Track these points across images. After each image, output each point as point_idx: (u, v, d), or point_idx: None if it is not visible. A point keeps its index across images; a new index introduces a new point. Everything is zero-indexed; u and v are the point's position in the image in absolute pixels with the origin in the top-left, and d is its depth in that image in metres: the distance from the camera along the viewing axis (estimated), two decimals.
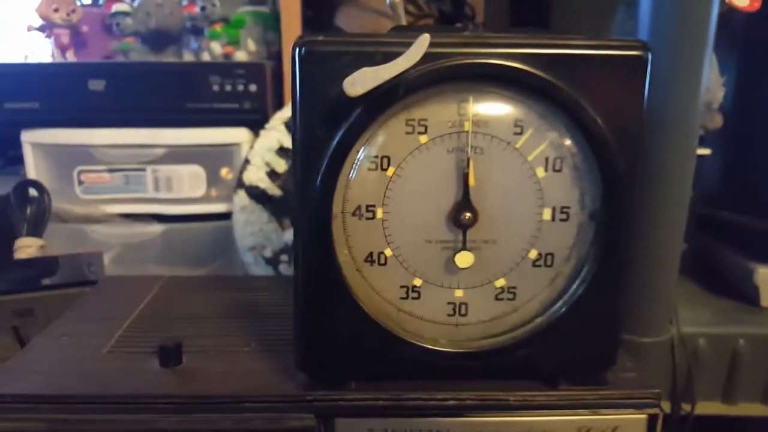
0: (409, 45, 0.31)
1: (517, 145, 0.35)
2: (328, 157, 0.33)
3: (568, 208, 0.35)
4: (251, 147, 0.84)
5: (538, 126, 0.34)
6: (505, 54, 0.33)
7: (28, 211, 0.81)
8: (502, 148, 0.35)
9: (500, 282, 0.36)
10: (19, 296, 0.58)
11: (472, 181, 0.34)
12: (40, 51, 1.00)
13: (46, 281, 0.61)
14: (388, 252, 0.36)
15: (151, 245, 0.89)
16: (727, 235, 0.80)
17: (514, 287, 0.37)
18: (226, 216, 0.87)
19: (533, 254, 0.36)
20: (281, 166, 0.83)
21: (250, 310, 0.50)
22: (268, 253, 0.83)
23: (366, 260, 0.36)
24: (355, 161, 0.34)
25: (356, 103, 0.32)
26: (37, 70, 0.85)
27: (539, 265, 0.36)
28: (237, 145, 0.88)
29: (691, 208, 0.76)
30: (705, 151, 0.76)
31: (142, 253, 0.89)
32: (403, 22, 0.39)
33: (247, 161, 0.83)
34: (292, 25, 0.91)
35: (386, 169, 0.34)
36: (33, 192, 0.82)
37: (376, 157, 0.34)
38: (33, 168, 0.87)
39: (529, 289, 0.37)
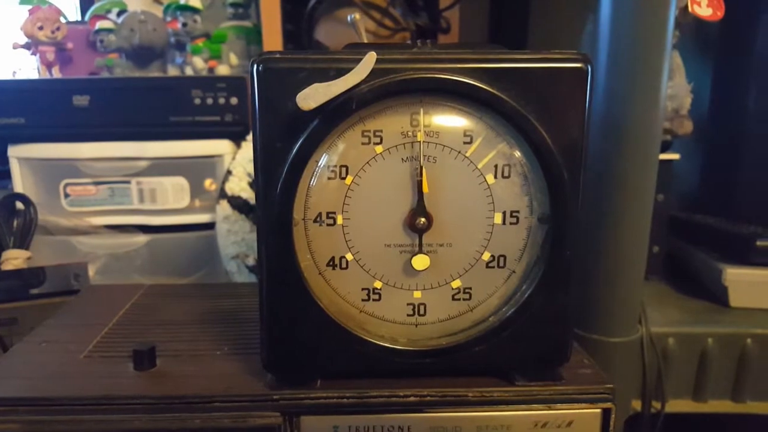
0: (359, 62, 0.33)
1: (467, 154, 0.37)
2: (287, 167, 0.35)
3: (517, 212, 0.37)
4: (233, 158, 0.86)
5: (487, 135, 0.37)
6: (451, 69, 0.35)
7: (15, 223, 0.83)
8: (453, 157, 0.37)
9: (456, 283, 0.38)
10: (4, 306, 0.59)
11: (425, 188, 0.36)
12: (27, 67, 1.02)
13: (32, 291, 0.63)
14: (349, 256, 0.38)
15: (136, 255, 0.91)
16: (700, 238, 0.83)
17: (469, 288, 0.39)
18: (210, 226, 0.89)
19: (486, 256, 0.38)
20: None
21: (227, 316, 0.52)
22: (250, 261, 0.85)
23: (328, 265, 0.38)
24: (315, 170, 0.36)
25: (313, 116, 0.34)
26: (23, 86, 0.87)
27: (492, 267, 0.38)
28: (219, 156, 0.89)
29: (665, 211, 0.79)
30: (673, 156, 0.79)
31: (127, 264, 0.90)
32: (364, 39, 0.41)
33: (229, 172, 0.85)
34: (273, 39, 0.94)
35: (345, 178, 0.36)
36: (20, 205, 0.84)
37: (335, 166, 0.36)
38: (20, 182, 0.89)
39: (484, 289, 0.39)
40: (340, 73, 0.34)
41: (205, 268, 0.92)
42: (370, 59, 0.32)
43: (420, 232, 0.37)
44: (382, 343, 0.38)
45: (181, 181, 0.91)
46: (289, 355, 0.38)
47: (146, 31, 0.95)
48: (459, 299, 0.39)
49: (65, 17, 0.99)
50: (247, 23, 1.05)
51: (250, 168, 0.85)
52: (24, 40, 0.94)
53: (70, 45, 0.98)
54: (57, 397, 0.37)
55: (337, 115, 0.35)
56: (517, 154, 0.37)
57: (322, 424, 0.38)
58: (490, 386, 0.39)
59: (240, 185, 0.85)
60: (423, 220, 0.37)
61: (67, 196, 0.90)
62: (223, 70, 0.95)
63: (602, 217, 0.59)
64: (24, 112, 0.86)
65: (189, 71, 0.96)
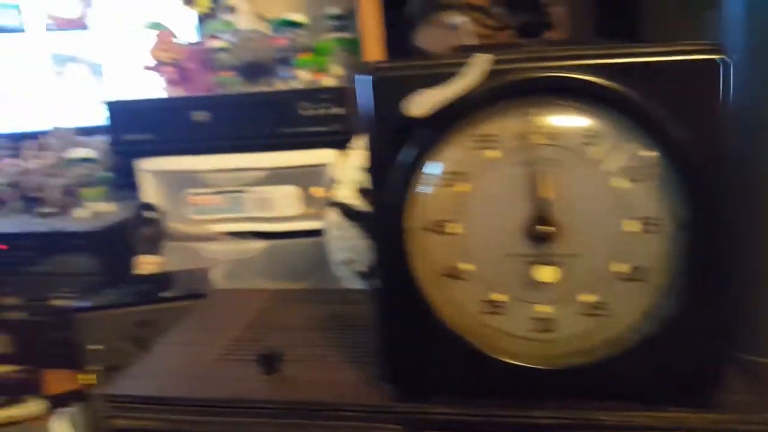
0: (471, 65, 0.31)
1: (591, 156, 0.33)
2: (399, 175, 0.33)
3: (655, 219, 0.33)
4: (339, 166, 0.86)
5: (611, 136, 0.33)
6: (571, 66, 0.32)
7: (146, 231, 0.87)
8: (576, 159, 0.33)
9: (589, 297, 0.35)
10: (139, 308, 0.62)
11: (545, 194, 0.33)
12: (153, 88, 1.08)
13: (162, 295, 0.66)
14: (467, 267, 0.35)
15: (256, 261, 0.93)
16: None
17: (604, 302, 0.35)
18: (321, 232, 0.90)
19: (622, 268, 0.34)
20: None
21: (347, 323, 0.51)
22: (360, 267, 0.84)
23: (444, 275, 0.35)
24: (429, 178, 0.34)
25: (423, 123, 0.32)
26: (149, 105, 0.92)
27: (630, 279, 0.34)
28: (327, 165, 0.90)
29: None
30: None
31: (248, 268, 0.93)
32: (472, 41, 0.39)
33: (337, 180, 0.85)
34: (373, 48, 0.93)
35: (460, 185, 0.34)
36: (150, 214, 0.89)
37: (450, 173, 0.34)
38: (150, 192, 0.94)
39: (621, 304, 0.34)
40: (450, 79, 0.31)
41: (318, 273, 0.93)
42: (481, 63, 0.30)
43: (539, 241, 0.34)
44: (507, 360, 0.35)
45: (292, 190, 0.93)
46: (407, 368, 0.36)
47: (256, 49, 0.97)
48: (592, 315, 0.35)
49: (184, 40, 1.04)
50: (348, 35, 1.05)
51: (356, 175, 0.84)
52: (151, 62, 0.99)
53: (189, 65, 1.02)
54: (191, 398, 0.38)
55: (448, 120, 0.32)
56: (649, 154, 0.33)
57: None
58: (630, 411, 0.34)
59: (347, 192, 0.85)
60: (542, 228, 0.33)
61: (191, 205, 0.94)
62: (327, 81, 0.96)
63: (753, 222, 0.52)
64: (151, 129, 0.91)
65: (295, 84, 0.97)
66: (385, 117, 0.33)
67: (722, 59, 0.31)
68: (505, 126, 0.33)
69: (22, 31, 1.26)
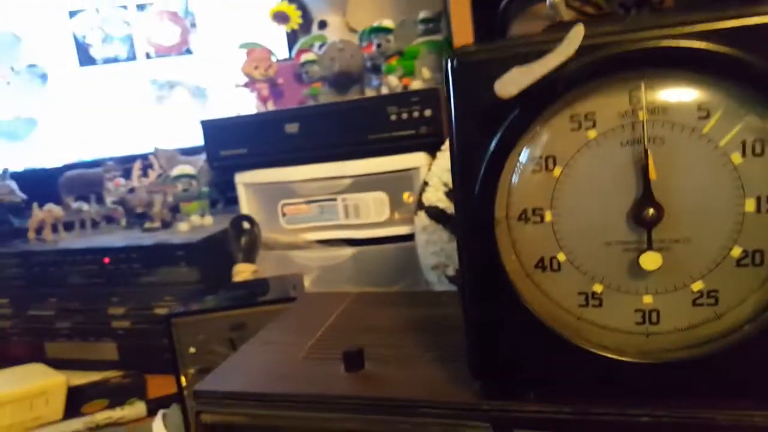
0: (562, 41, 0.29)
1: (705, 131, 0.30)
2: (487, 162, 0.32)
3: None
4: (429, 169, 0.86)
5: (728, 107, 0.30)
6: (680, 33, 0.29)
7: (243, 241, 0.91)
8: (687, 136, 0.30)
9: (697, 285, 0.32)
10: (233, 312, 0.65)
11: (652, 174, 0.31)
12: (244, 105, 1.13)
13: (257, 299, 0.68)
14: (561, 257, 0.33)
15: (344, 267, 0.95)
16: None
17: (715, 291, 0.31)
18: (409, 237, 0.90)
19: (737, 252, 0.31)
20: None
21: (430, 324, 0.50)
22: (450, 272, 0.83)
23: (537, 266, 0.34)
24: (517, 164, 0.33)
25: (513, 105, 0.31)
26: (243, 120, 0.96)
27: (745, 265, 0.31)
28: (416, 169, 0.90)
29: None
30: None
31: (337, 275, 0.95)
32: (565, 17, 0.37)
33: (425, 183, 0.84)
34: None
35: (552, 170, 0.32)
36: (246, 225, 0.93)
37: (540, 157, 0.32)
38: (245, 204, 0.99)
39: (735, 292, 0.31)
40: (541, 56, 0.30)
41: (406, 279, 0.93)
42: (576, 33, 0.28)
43: (648, 225, 0.31)
44: (606, 355, 0.32)
45: (381, 196, 0.94)
46: (497, 364, 0.35)
47: (345, 59, 1.00)
48: (702, 304, 0.32)
49: (275, 56, 1.08)
50: (438, 37, 1.05)
51: (446, 178, 0.84)
52: (243, 80, 1.04)
53: (280, 80, 1.07)
54: (277, 394, 0.38)
55: (540, 100, 0.31)
56: None
57: None
58: (746, 410, 0.31)
59: (437, 195, 0.84)
60: (651, 211, 0.31)
61: (284, 215, 0.98)
62: (416, 85, 0.96)
63: None
64: (245, 144, 0.95)
65: (385, 91, 0.98)
66: (471, 101, 0.32)
67: None
68: (605, 103, 0.31)
69: (134, 59, 1.38)
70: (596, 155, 0.32)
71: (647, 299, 0.32)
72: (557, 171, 0.32)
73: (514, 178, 0.33)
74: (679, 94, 0.30)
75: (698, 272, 0.31)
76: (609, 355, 0.32)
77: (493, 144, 0.32)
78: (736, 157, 0.30)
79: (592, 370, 0.33)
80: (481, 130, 0.32)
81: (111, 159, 1.22)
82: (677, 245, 0.31)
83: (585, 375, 0.33)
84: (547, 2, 0.40)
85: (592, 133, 0.31)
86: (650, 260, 0.31)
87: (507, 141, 0.32)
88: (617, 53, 0.30)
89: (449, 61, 0.32)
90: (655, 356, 0.32)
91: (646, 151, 0.30)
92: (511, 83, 0.29)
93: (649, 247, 0.31)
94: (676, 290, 0.32)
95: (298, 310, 0.59)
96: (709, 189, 0.30)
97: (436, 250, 0.84)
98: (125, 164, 1.20)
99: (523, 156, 0.32)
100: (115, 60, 1.38)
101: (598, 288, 0.33)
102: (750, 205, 0.30)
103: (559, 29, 0.31)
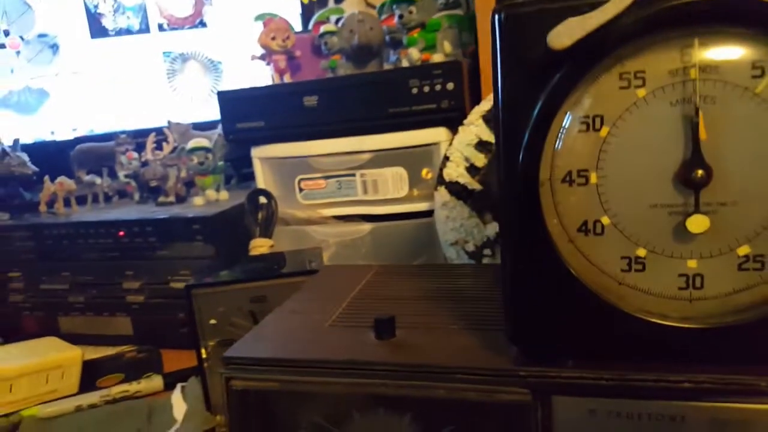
0: None
1: (758, 90, 0.30)
2: (534, 121, 0.32)
3: None
4: (450, 144, 0.85)
5: None
6: None
7: (260, 216, 0.91)
8: (739, 95, 0.30)
9: (744, 249, 0.32)
10: (253, 284, 0.65)
11: (703, 134, 0.31)
12: (259, 79, 1.13)
13: (278, 272, 0.69)
14: (605, 220, 0.33)
15: (361, 243, 0.95)
16: None
17: (761, 255, 0.32)
18: (428, 214, 0.90)
19: None
20: (480, 160, 0.83)
21: (454, 294, 0.50)
22: (470, 248, 0.83)
23: (580, 230, 0.34)
24: (563, 124, 0.33)
25: (561, 62, 0.31)
26: (260, 92, 0.96)
27: None
28: (436, 144, 0.90)
29: None
30: None
31: (354, 251, 0.95)
32: None
33: (446, 158, 0.84)
34: (488, 23, 0.91)
35: (599, 130, 0.32)
36: (263, 199, 0.93)
37: (587, 117, 0.32)
38: (262, 179, 0.99)
39: None
40: (594, 8, 0.30)
41: (424, 255, 0.93)
42: None
43: (697, 187, 0.31)
44: (648, 319, 0.33)
45: (400, 171, 0.94)
46: (537, 329, 0.35)
47: (364, 31, 0.99)
48: (748, 269, 0.32)
49: (293, 28, 1.08)
50: (458, 11, 1.04)
51: (468, 152, 0.83)
52: (260, 51, 1.04)
53: (298, 53, 1.06)
54: (309, 359, 0.39)
55: (591, 56, 0.31)
56: None
57: (576, 407, 0.34)
58: None
59: (458, 171, 0.84)
60: (701, 172, 0.31)
61: (301, 190, 0.98)
62: (437, 59, 0.96)
63: None
64: (262, 116, 0.95)
65: (405, 65, 0.98)
66: (518, 57, 0.32)
67: None
68: (656, 61, 0.31)
69: (147, 31, 1.38)
70: (645, 115, 0.31)
71: (691, 264, 0.32)
72: (604, 131, 0.32)
73: (560, 139, 0.33)
74: (733, 52, 0.30)
75: (745, 236, 0.31)
76: (651, 320, 0.33)
77: (541, 102, 0.32)
78: None
79: (633, 336, 0.33)
80: (528, 87, 0.32)
81: (124, 132, 1.22)
82: (724, 208, 0.31)
83: (625, 341, 0.33)
84: None
85: (641, 92, 0.31)
86: (697, 223, 0.31)
87: (555, 99, 0.32)
88: (674, 6, 0.29)
89: (496, 14, 0.32)
90: (698, 321, 0.32)
91: (697, 110, 0.30)
92: (565, 34, 0.29)
93: (697, 210, 0.31)
94: (721, 254, 0.32)
95: (320, 281, 0.59)
96: (760, 151, 0.30)
97: (455, 226, 0.84)
98: (138, 138, 1.21)
99: (570, 115, 0.32)
100: (128, 32, 1.38)
101: (641, 252, 0.33)
102: None
103: None
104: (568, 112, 0.32)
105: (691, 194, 0.31)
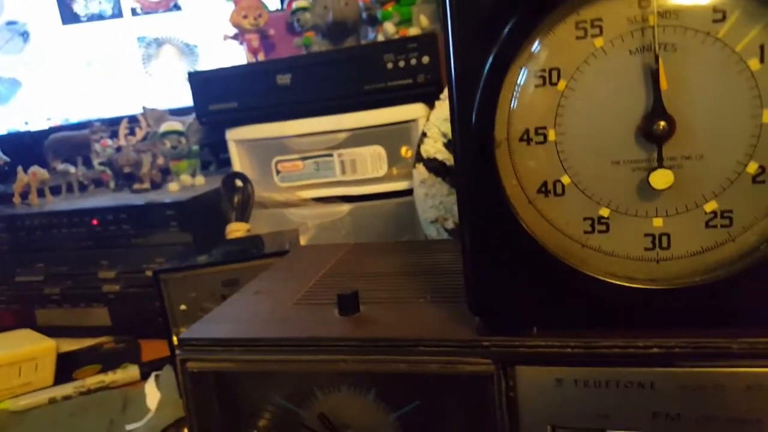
0: None
1: (720, 35, 0.28)
2: (486, 76, 0.30)
3: None
4: (427, 119, 0.84)
5: (746, 8, 0.28)
6: None
7: (236, 199, 0.90)
8: (700, 41, 0.29)
9: (711, 205, 0.30)
10: (227, 267, 0.64)
11: (663, 84, 0.29)
12: (240, 59, 1.11)
13: (254, 253, 0.67)
14: (565, 179, 0.32)
15: (341, 225, 0.94)
16: None
17: (729, 211, 0.30)
18: (408, 193, 0.88)
19: (753, 168, 0.29)
20: None
21: (428, 269, 0.49)
22: (450, 225, 0.82)
23: (539, 191, 0.32)
24: (518, 79, 0.31)
25: (512, 11, 0.29)
26: (233, 72, 0.94)
27: (762, 181, 0.29)
28: (414, 121, 0.88)
29: None
30: None
31: (334, 233, 0.94)
32: None
33: (423, 134, 0.83)
34: None
35: (556, 84, 0.31)
36: (239, 183, 0.91)
37: (543, 70, 0.30)
38: (237, 162, 0.97)
39: (750, 211, 0.30)
40: None
41: (405, 235, 0.92)
42: None
43: (659, 140, 0.29)
44: (614, 282, 0.31)
45: (379, 150, 0.92)
46: (498, 298, 0.34)
47: (339, 7, 0.97)
48: (715, 226, 0.30)
49: (266, 6, 1.05)
50: None
51: (445, 128, 0.82)
52: (232, 31, 1.02)
53: (272, 31, 1.04)
54: (268, 338, 0.37)
55: (543, 4, 0.29)
56: None
57: (542, 376, 0.32)
58: (765, 336, 0.30)
59: (435, 147, 0.82)
60: (663, 123, 0.29)
61: (278, 172, 0.96)
62: (413, 30, 0.94)
63: None
64: (235, 97, 0.93)
65: (379, 37, 0.96)
66: (466, 10, 0.30)
67: None
68: (613, 7, 0.29)
69: (120, 16, 1.35)
70: (603, 66, 0.30)
71: (657, 222, 0.31)
72: (561, 85, 0.31)
73: (515, 96, 0.31)
74: None
75: (711, 191, 0.30)
76: (617, 282, 0.31)
77: (492, 55, 0.30)
78: (754, 63, 0.28)
79: (599, 300, 0.32)
80: (478, 39, 0.30)
81: (98, 120, 1.20)
82: (689, 162, 0.30)
83: (591, 306, 0.32)
84: None
85: (598, 41, 0.30)
86: (661, 178, 0.30)
87: (507, 52, 0.30)
88: None
89: None
90: (666, 283, 0.31)
91: (657, 58, 0.29)
92: None
93: (660, 165, 0.30)
94: (687, 211, 0.31)
95: (291, 261, 0.58)
96: (724, 99, 0.29)
97: (435, 204, 0.83)
98: (113, 126, 1.18)
99: (525, 70, 0.31)
100: (100, 17, 1.35)
101: (604, 212, 0.32)
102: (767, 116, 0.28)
103: None
104: (523, 67, 0.31)
105: (653, 148, 0.30)
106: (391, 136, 0.91)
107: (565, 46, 0.30)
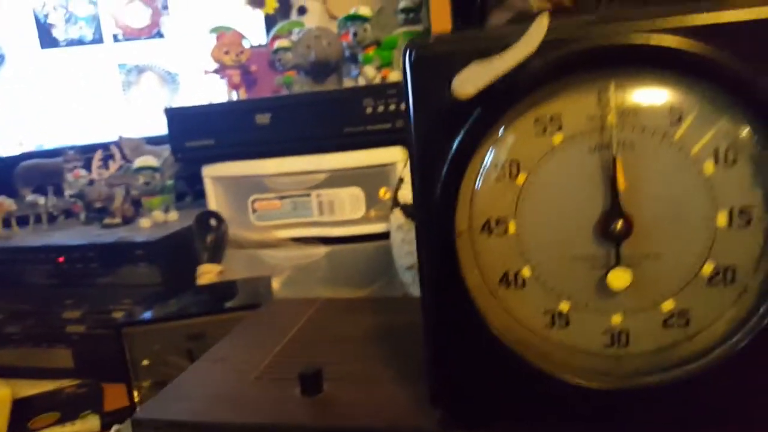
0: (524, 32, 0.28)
1: (676, 137, 0.29)
2: (447, 168, 0.31)
3: (749, 209, 0.29)
4: (405, 165, 0.84)
5: (701, 111, 0.29)
6: (652, 29, 0.28)
7: (208, 239, 0.89)
8: (658, 142, 0.29)
9: (668, 305, 0.31)
10: (194, 320, 0.63)
11: (621, 184, 0.30)
12: (216, 92, 1.11)
13: (215, 306, 0.67)
14: (526, 272, 0.32)
15: (317, 267, 0.93)
16: None
17: (686, 310, 0.31)
18: (386, 236, 0.88)
19: (708, 269, 0.30)
20: None
21: (400, 333, 0.48)
22: None
23: (501, 282, 0.32)
24: (480, 170, 0.31)
25: (475, 105, 0.30)
26: (211, 109, 0.94)
27: (717, 283, 0.30)
28: (392, 164, 0.89)
29: None
30: None
31: (310, 275, 0.93)
32: (533, 7, 0.36)
33: (401, 180, 0.83)
34: None
35: (516, 177, 0.31)
36: (212, 222, 0.91)
37: (504, 163, 0.31)
38: (213, 199, 0.97)
39: (706, 312, 0.30)
40: (504, 50, 0.29)
41: (382, 279, 0.92)
42: (540, 24, 0.27)
43: (616, 239, 0.30)
44: (574, 381, 0.31)
45: (357, 192, 0.92)
46: (459, 390, 0.34)
47: (321, 47, 0.98)
48: (672, 325, 0.31)
49: (248, 41, 1.06)
50: (418, 28, 1.04)
51: None
52: (213, 66, 1.02)
53: (254, 67, 1.05)
54: (222, 423, 0.37)
55: (502, 101, 0.30)
56: (745, 132, 0.28)
57: None
58: None
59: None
60: (620, 224, 0.30)
61: (254, 211, 0.96)
62: (395, 76, 0.95)
63: None
64: (213, 134, 0.93)
65: (361, 81, 0.97)
66: (430, 99, 0.31)
67: None
68: (572, 105, 0.30)
69: (100, 42, 1.35)
70: (562, 161, 0.30)
71: (616, 319, 0.31)
72: (521, 178, 0.31)
73: (477, 186, 0.32)
74: (651, 96, 0.29)
75: (669, 291, 0.31)
76: (577, 381, 0.31)
77: (454, 147, 0.30)
78: (709, 166, 0.29)
79: (558, 397, 0.32)
80: (441, 131, 0.31)
81: (72, 148, 1.19)
82: (647, 261, 0.30)
83: (550, 402, 0.32)
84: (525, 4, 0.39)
85: (557, 138, 0.30)
86: (619, 278, 0.30)
87: (468, 144, 0.30)
88: (585, 49, 0.28)
89: (407, 52, 0.31)
90: (626, 381, 0.31)
91: (614, 159, 0.29)
92: (469, 81, 0.28)
93: (618, 263, 0.30)
94: (645, 310, 0.31)
95: (259, 320, 0.58)
96: (680, 200, 0.29)
97: (411, 250, 0.83)
98: (87, 153, 1.18)
99: (486, 162, 0.31)
100: (80, 42, 1.35)
101: (564, 307, 0.32)
102: (722, 219, 0.29)
103: (525, 20, 0.29)
104: (485, 158, 0.31)
105: (612, 246, 0.30)
106: (369, 178, 0.91)
107: (525, 140, 0.31)
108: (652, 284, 0.31)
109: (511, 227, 0.32)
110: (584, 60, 0.29)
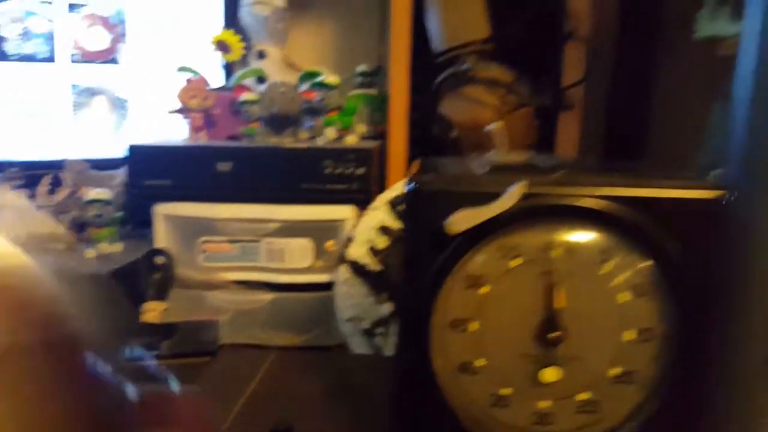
0: (507, 188, 0.38)
1: (601, 272, 0.39)
2: (431, 278, 0.40)
3: (649, 329, 0.39)
4: (355, 225, 0.93)
5: (623, 256, 0.39)
6: (593, 195, 0.38)
7: (155, 277, 0.92)
8: (587, 274, 0.40)
9: (583, 395, 0.41)
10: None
11: (560, 303, 0.39)
12: (176, 129, 1.15)
13: (166, 347, 0.70)
14: (480, 362, 0.41)
15: (260, 312, 0.99)
16: None
17: (596, 401, 0.41)
18: (328, 286, 0.95)
19: (615, 371, 0.40)
20: (382, 242, 0.90)
21: (357, 392, 0.55)
22: (365, 325, 0.90)
23: (459, 369, 0.41)
24: (454, 281, 0.40)
25: (457, 235, 0.39)
26: (173, 151, 0.99)
27: (621, 382, 0.40)
28: (343, 221, 0.97)
29: None
30: None
31: (252, 319, 0.98)
32: (504, 149, 0.46)
33: (349, 239, 0.91)
34: (399, 109, 1.01)
35: (480, 287, 0.40)
36: (160, 260, 0.94)
37: (473, 277, 0.40)
38: (162, 236, 1.00)
39: (612, 402, 0.41)
40: (489, 198, 0.38)
41: (320, 327, 0.98)
42: (519, 190, 0.37)
43: (550, 345, 0.40)
44: None
45: (306, 243, 0.99)
46: None
47: (285, 101, 1.05)
48: (585, 411, 0.41)
49: (213, 85, 1.12)
50: (372, 91, 1.13)
51: (371, 236, 0.91)
52: (178, 105, 1.07)
53: (216, 110, 1.10)
54: None
55: (479, 235, 0.39)
56: (652, 273, 0.39)
57: None
58: None
59: (360, 251, 0.91)
60: (555, 334, 0.39)
61: (203, 252, 1.00)
62: (351, 138, 1.03)
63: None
64: (172, 175, 0.98)
65: (320, 139, 1.05)
66: (423, 223, 0.40)
67: (723, 196, 0.38)
68: (528, 240, 0.40)
69: (52, 61, 1.36)
70: (516, 280, 0.40)
71: (543, 404, 0.41)
72: (485, 289, 0.40)
73: (450, 291, 0.41)
74: (586, 240, 0.40)
75: (585, 385, 0.41)
76: None
77: (438, 264, 0.39)
78: (623, 296, 0.39)
79: None
80: (429, 250, 0.40)
81: (15, 163, 1.18)
82: (572, 362, 0.40)
83: None
84: (486, 129, 0.49)
85: (515, 262, 0.40)
86: (549, 374, 0.40)
87: (449, 263, 0.40)
88: (544, 205, 0.39)
89: (411, 185, 0.40)
90: None
91: (551, 286, 0.39)
92: (461, 223, 0.37)
93: (548, 363, 0.40)
94: (566, 398, 0.41)
95: (213, 371, 0.61)
96: (600, 319, 0.40)
97: (354, 303, 0.91)
98: (31, 170, 1.17)
99: (460, 274, 0.40)
100: (31, 58, 1.35)
101: (506, 391, 0.41)
102: (629, 335, 0.40)
103: (502, 175, 0.39)
104: (459, 272, 0.40)
105: (549, 348, 0.40)
106: (319, 231, 0.98)
107: (490, 261, 0.40)
108: (573, 379, 0.41)
109: (473, 326, 0.41)
110: (539, 212, 0.39)
